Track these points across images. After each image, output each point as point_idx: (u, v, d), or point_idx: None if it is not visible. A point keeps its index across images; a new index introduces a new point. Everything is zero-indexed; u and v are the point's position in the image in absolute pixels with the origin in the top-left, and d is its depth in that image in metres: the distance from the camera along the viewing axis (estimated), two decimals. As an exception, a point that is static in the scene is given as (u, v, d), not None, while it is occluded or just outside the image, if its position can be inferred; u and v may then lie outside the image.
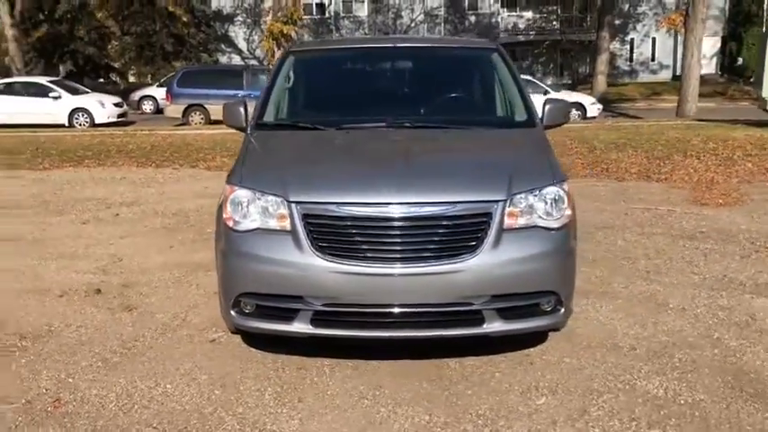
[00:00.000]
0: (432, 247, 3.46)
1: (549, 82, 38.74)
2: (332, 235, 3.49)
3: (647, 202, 8.50)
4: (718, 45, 40.69)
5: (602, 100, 26.55)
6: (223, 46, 40.21)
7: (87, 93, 22.84)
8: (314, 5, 40.54)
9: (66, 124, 20.89)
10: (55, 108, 21.03)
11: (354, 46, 5.90)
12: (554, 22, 41.14)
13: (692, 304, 4.83)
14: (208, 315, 4.64)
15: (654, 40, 41.98)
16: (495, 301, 3.53)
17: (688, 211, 7.86)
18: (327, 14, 40.68)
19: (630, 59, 42.91)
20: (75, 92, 22.21)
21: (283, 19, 19.59)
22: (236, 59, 39.90)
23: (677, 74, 33.29)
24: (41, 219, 7.94)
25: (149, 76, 38.89)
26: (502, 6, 41.47)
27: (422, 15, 40.41)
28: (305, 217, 3.51)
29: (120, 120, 21.74)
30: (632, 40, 42.49)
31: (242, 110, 4.58)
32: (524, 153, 4.12)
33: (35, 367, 3.95)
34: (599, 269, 5.67)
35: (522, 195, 3.62)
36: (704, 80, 24.75)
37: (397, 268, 3.42)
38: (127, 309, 4.88)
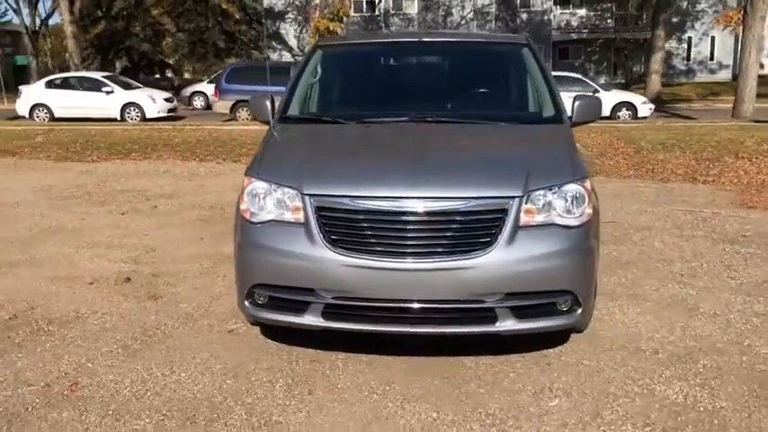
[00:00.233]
0: (444, 242, 3.41)
1: (601, 81, 38.08)
2: (344, 228, 3.47)
3: (691, 204, 8.24)
4: (780, 44, 39.19)
5: (656, 100, 25.85)
6: (274, 43, 40.69)
7: (139, 88, 23.38)
8: (364, 3, 40.68)
9: (119, 118, 21.43)
10: (108, 102, 21.60)
11: (381, 40, 5.87)
12: (608, 20, 40.27)
13: (725, 309, 4.66)
14: (230, 306, 4.68)
15: (713, 38, 40.76)
16: (508, 299, 3.45)
17: (733, 214, 7.58)
18: (377, 12, 40.73)
19: (688, 58, 41.76)
20: (127, 87, 22.76)
21: (329, 16, 19.69)
22: (287, 56, 40.33)
23: (737, 74, 32.24)
24: (83, 209, 8.15)
25: (204, 72, 39.67)
26: (555, 4, 40.83)
27: (472, 13, 40.09)
28: (318, 210, 3.51)
29: (170, 114, 22.18)
30: (690, 38, 41.34)
31: (268, 104, 4.62)
32: (546, 149, 4.02)
33: (58, 351, 4.05)
34: (631, 271, 5.52)
35: (540, 192, 3.53)
36: (763, 80, 23.86)
37: (409, 263, 3.39)
38: (153, 298, 4.97)
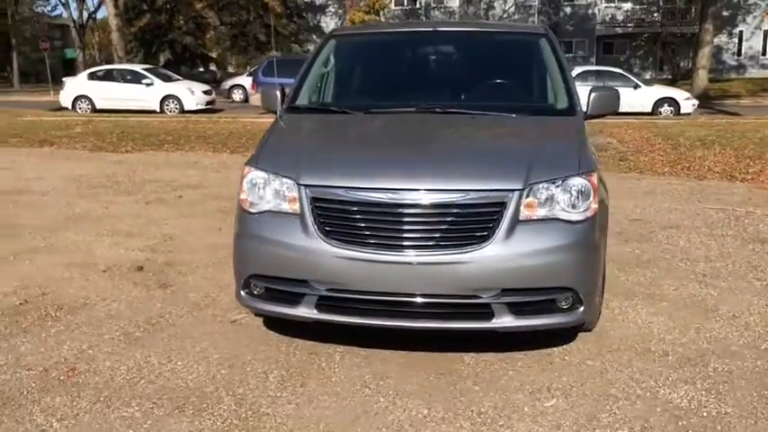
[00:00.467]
0: (439, 236, 3.32)
1: (647, 76, 37.21)
2: (339, 219, 3.41)
3: (725, 202, 7.95)
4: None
5: (702, 96, 25.13)
6: (314, 36, 40.81)
7: (178, 80, 23.71)
8: (405, -3, 40.54)
9: (158, 110, 21.78)
10: (147, 94, 21.97)
11: (396, 30, 5.77)
12: (655, 14, 39.25)
13: (745, 312, 4.46)
14: (236, 296, 4.67)
15: (765, 32, 39.42)
16: (505, 294, 3.35)
17: (768, 213, 7.29)
18: (418, 5, 40.50)
19: (738, 53, 40.50)
20: (167, 79, 23.10)
21: (365, 8, 19.63)
22: (327, 50, 40.30)
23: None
24: (110, 198, 8.28)
25: (245, 65, 40.05)
26: (600, -3, 40.11)
27: (514, 6, 39.57)
28: (313, 200, 3.46)
29: (208, 107, 22.44)
30: (741, 32, 40.08)
31: (278, 93, 4.59)
32: (554, 141, 3.88)
33: (61, 337, 4.09)
34: (651, 270, 5.34)
35: (543, 185, 3.41)
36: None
37: (403, 256, 3.31)
38: (162, 286, 4.99)
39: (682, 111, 19.69)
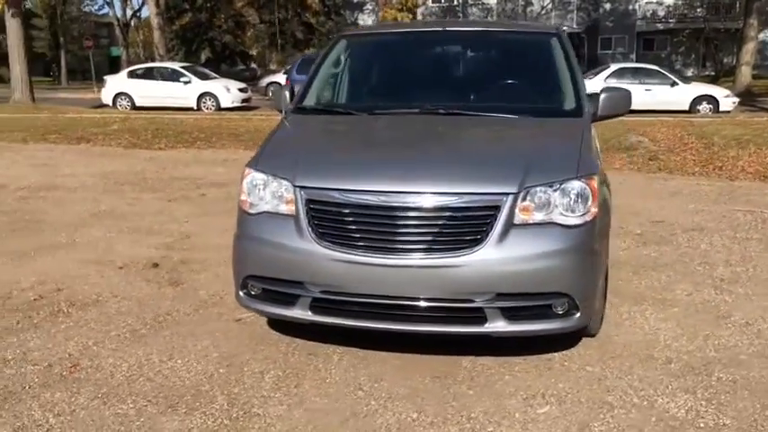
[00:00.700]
0: (432, 239, 3.30)
1: (689, 73, 36.37)
2: (332, 222, 3.42)
3: (755, 204, 7.73)
4: None
5: (745, 93, 24.47)
6: (351, 34, 40.86)
7: (215, 78, 24.05)
8: (442, -7, 40.32)
9: (195, 107, 22.12)
10: (185, 92, 22.35)
11: (406, 30, 5.74)
12: (698, 9, 38.27)
13: (759, 319, 4.33)
14: (244, 295, 4.71)
15: (815, 28, 38.10)
16: (499, 299, 3.31)
17: (799, 216, 7.07)
18: (455, 2, 40.26)
19: (785, 49, 39.24)
20: (204, 77, 23.45)
21: (398, 6, 19.59)
22: (364, 48, 40.35)
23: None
24: (136, 195, 8.44)
25: (284, 63, 40.38)
26: (641, -8, 39.31)
27: (551, 3, 39.02)
28: (308, 202, 3.47)
29: (243, 104, 22.71)
30: (788, 28, 38.80)
31: (286, 94, 4.65)
32: (555, 144, 3.83)
33: (70, 333, 4.18)
34: (666, 273, 5.22)
35: (539, 188, 3.36)
36: None
37: (396, 259, 3.30)
38: (174, 284, 5.07)
39: (721, 109, 19.18)
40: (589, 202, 3.43)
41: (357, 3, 40.77)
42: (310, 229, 3.43)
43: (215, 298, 4.77)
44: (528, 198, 3.35)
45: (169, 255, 5.81)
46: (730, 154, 11.01)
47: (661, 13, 39.40)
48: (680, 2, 38.96)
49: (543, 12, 39.03)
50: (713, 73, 36.76)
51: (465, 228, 3.30)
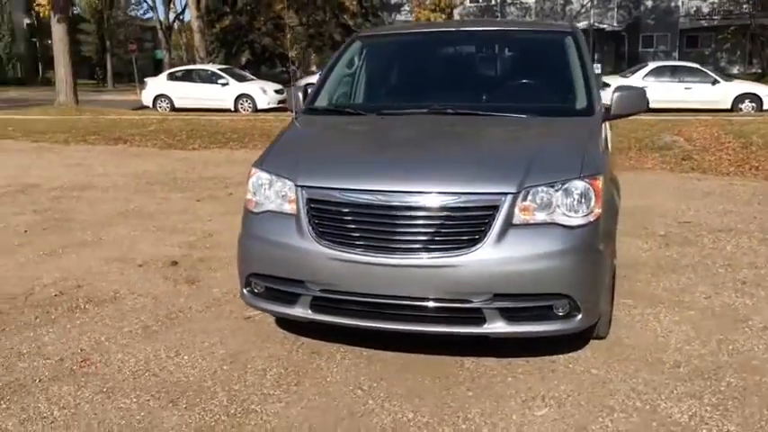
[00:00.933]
0: (430, 238, 3.29)
1: (734, 71, 35.40)
2: (332, 221, 3.44)
3: (790, 205, 7.50)
4: None
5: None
6: (389, 35, 40.88)
7: (252, 80, 24.34)
8: (480, -8, 40.05)
9: (232, 109, 22.42)
10: (223, 94, 22.67)
11: (420, 30, 5.73)
12: (743, 5, 37.18)
13: (778, 323, 4.20)
14: (256, 293, 4.76)
15: None
16: (497, 300, 3.28)
17: (834, 218, 6.83)
18: (493, 1, 39.97)
19: (837, 45, 37.89)
20: (241, 79, 23.76)
21: (431, 7, 19.54)
22: (402, 48, 40.31)
23: None
24: (164, 194, 8.60)
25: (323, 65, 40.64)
26: (684, -11, 38.42)
27: (591, 0, 38.36)
28: (309, 201, 3.49)
29: (279, 105, 22.87)
30: (840, 23, 37.46)
31: (300, 95, 4.68)
32: (559, 143, 3.77)
33: (84, 328, 4.29)
34: (687, 275, 5.10)
35: (540, 188, 3.32)
36: None
37: (393, 258, 3.29)
38: (190, 282, 5.15)
39: (765, 107, 18.62)
40: (592, 203, 3.37)
41: (395, 4, 40.80)
42: (310, 228, 3.45)
43: (228, 296, 4.83)
44: (529, 198, 3.32)
45: (189, 253, 5.91)
46: (768, 154, 10.70)
47: (705, 10, 38.42)
48: (725, -2, 37.99)
49: (583, 10, 38.41)
50: (760, 70, 35.72)
51: (463, 228, 3.28)
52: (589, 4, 38.22)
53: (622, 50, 39.62)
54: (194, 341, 4.08)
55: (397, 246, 3.31)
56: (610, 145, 4.31)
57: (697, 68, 19.85)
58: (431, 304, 3.34)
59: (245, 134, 14.94)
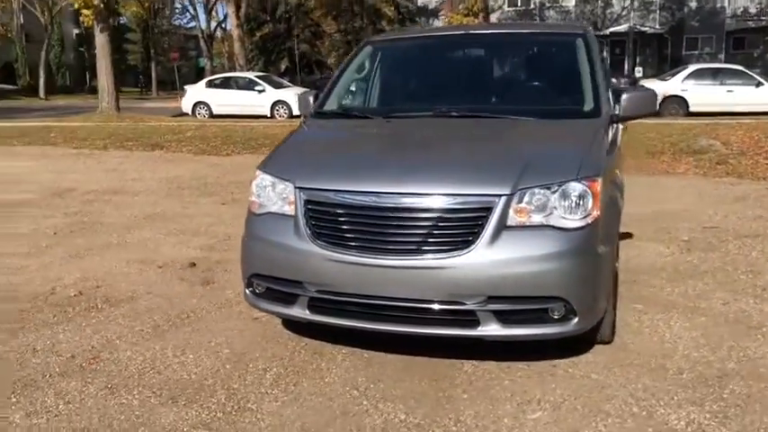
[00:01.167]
0: (424, 240, 3.29)
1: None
2: (328, 222, 3.47)
3: (824, 210, 7.27)
4: None
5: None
6: (427, 40, 40.90)
7: (288, 87, 24.64)
8: (518, -4, 39.83)
9: (269, 115, 22.73)
10: (260, 100, 23.02)
11: (430, 35, 5.74)
12: (793, 6, 36.26)
13: (793, 330, 4.08)
14: (267, 295, 4.82)
15: None
16: (491, 302, 3.26)
17: None
18: (532, 5, 39.69)
19: None
20: (278, 86, 24.09)
21: (464, 11, 19.50)
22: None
23: None
24: (192, 199, 8.77)
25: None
26: (730, -10, 37.54)
27: (631, 3, 37.75)
28: (306, 203, 3.54)
29: (315, 111, 23.12)
30: None
31: (310, 99, 4.74)
32: (560, 145, 3.74)
33: (98, 327, 4.41)
34: (705, 281, 4.99)
35: (535, 190, 3.30)
36: None
37: (386, 260, 3.31)
38: (205, 283, 5.25)
39: (812, 110, 18.05)
40: (590, 205, 3.33)
41: (431, 10, 40.85)
42: (307, 229, 3.50)
43: (239, 297, 4.85)
44: (525, 200, 3.30)
45: (208, 255, 6.02)
46: (808, 158, 10.38)
47: (753, 11, 37.50)
48: (773, -2, 37.03)
49: (624, 12, 37.86)
50: (810, 73, 34.65)
51: (456, 229, 3.28)
52: (630, 7, 37.65)
53: (665, 53, 38.87)
54: (201, 341, 4.16)
55: (391, 247, 3.33)
56: (619, 147, 4.25)
57: (740, 70, 19.36)
58: (424, 306, 3.35)
59: (277, 140, 15.07)
